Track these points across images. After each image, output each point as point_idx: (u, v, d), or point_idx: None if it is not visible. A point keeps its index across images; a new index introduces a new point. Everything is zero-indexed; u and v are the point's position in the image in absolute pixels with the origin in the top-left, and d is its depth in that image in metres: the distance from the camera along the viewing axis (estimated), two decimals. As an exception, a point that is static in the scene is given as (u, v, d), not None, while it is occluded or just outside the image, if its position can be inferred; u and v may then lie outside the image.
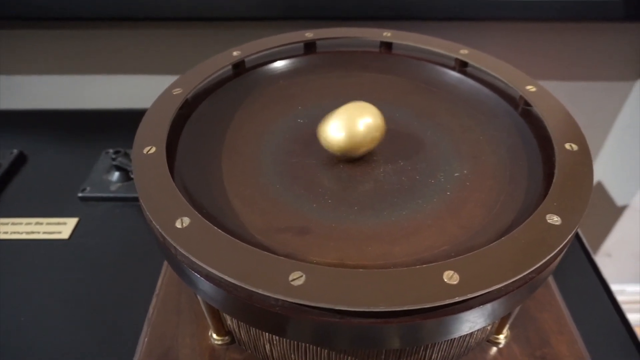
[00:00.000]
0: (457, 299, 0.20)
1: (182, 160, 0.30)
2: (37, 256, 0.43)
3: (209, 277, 0.22)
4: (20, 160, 0.55)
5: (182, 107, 0.32)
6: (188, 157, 0.30)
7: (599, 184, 0.77)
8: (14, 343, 0.37)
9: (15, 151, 0.55)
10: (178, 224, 0.23)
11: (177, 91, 0.33)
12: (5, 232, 0.45)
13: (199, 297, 0.26)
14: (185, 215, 0.23)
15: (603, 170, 0.76)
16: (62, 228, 0.46)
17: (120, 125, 0.61)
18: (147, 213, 0.24)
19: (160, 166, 0.26)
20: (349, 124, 0.28)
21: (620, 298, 0.43)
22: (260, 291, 0.20)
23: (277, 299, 0.20)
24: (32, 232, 0.45)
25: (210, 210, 0.26)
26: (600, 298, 0.43)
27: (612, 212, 0.78)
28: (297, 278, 0.20)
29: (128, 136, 0.56)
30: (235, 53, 0.38)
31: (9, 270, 0.42)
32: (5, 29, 0.60)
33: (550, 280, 0.35)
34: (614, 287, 0.44)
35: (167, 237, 0.22)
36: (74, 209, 0.48)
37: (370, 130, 0.28)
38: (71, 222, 0.47)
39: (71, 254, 0.44)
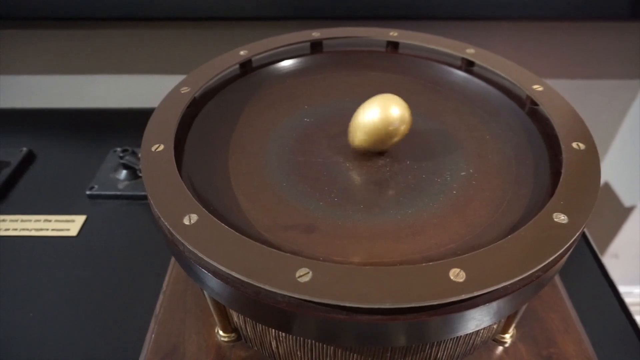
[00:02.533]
0: (463, 297, 0.20)
1: (189, 158, 0.30)
2: (46, 253, 0.44)
3: (216, 273, 0.22)
4: (29, 159, 0.55)
5: (189, 106, 0.33)
6: (195, 155, 0.30)
7: (606, 185, 0.76)
8: (22, 338, 0.37)
9: (24, 149, 0.55)
10: (186, 221, 0.23)
11: (184, 90, 0.33)
12: (15, 229, 0.46)
13: (205, 293, 0.26)
14: (193, 212, 0.23)
15: (610, 171, 0.75)
16: (70, 225, 0.46)
17: (127, 124, 0.62)
18: (155, 209, 0.24)
19: (168, 164, 0.27)
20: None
21: (627, 300, 0.42)
22: (267, 287, 0.20)
23: (284, 295, 0.21)
24: (41, 229, 0.46)
25: (217, 207, 0.27)
26: (608, 299, 0.43)
27: (620, 213, 0.78)
28: (304, 275, 0.20)
29: (135, 135, 0.57)
30: (242, 52, 0.38)
31: (18, 266, 0.43)
32: (15, 28, 0.61)
33: (557, 280, 0.35)
34: (621, 289, 0.43)
35: (175, 234, 0.23)
36: (82, 207, 0.49)
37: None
38: (79, 220, 0.47)
39: (79, 251, 0.44)
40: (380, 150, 0.30)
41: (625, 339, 0.39)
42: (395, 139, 0.29)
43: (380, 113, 0.28)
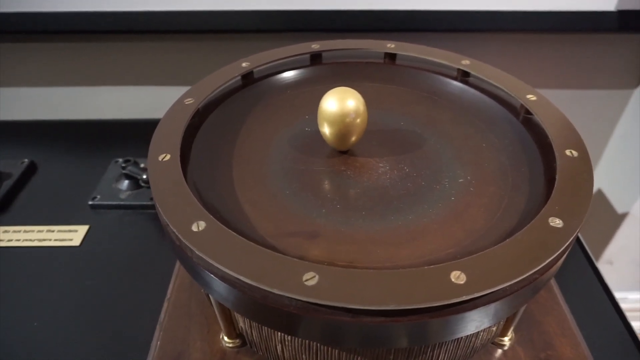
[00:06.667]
0: (464, 298, 0.21)
1: (194, 167, 0.31)
2: (49, 263, 0.44)
3: (224, 278, 0.23)
4: (31, 170, 0.56)
5: (193, 116, 0.34)
6: (200, 164, 0.31)
7: (600, 192, 0.78)
8: (27, 347, 0.37)
9: (26, 161, 0.56)
10: (194, 228, 0.24)
11: (189, 101, 0.34)
12: (18, 240, 0.46)
13: (212, 299, 0.27)
14: (201, 219, 0.24)
15: (603, 178, 0.77)
16: (73, 235, 0.47)
17: (129, 135, 0.62)
18: (164, 217, 0.25)
19: (175, 172, 0.27)
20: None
21: (622, 306, 0.43)
22: (275, 291, 0.21)
23: (291, 299, 0.21)
24: (44, 240, 0.46)
25: (223, 215, 0.27)
26: (603, 303, 0.43)
27: (613, 220, 0.79)
28: (311, 278, 0.21)
29: (137, 145, 0.58)
30: (244, 64, 0.39)
31: (21, 276, 0.43)
32: (17, 42, 0.62)
33: (554, 285, 0.36)
34: (616, 295, 0.44)
35: (183, 240, 0.23)
36: (84, 217, 0.49)
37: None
38: (82, 230, 0.48)
39: (82, 261, 0.45)
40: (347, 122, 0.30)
41: (621, 342, 0.39)
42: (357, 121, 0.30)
43: (337, 100, 0.30)
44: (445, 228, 0.27)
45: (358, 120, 0.30)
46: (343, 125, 0.30)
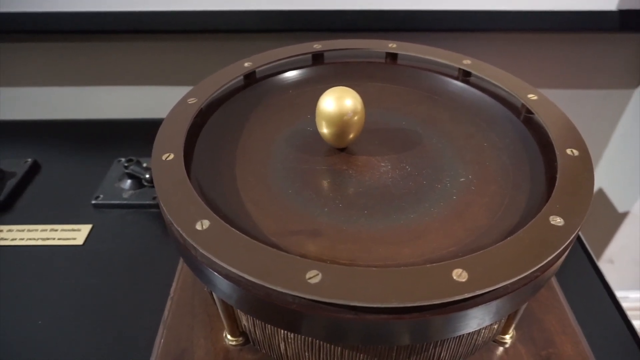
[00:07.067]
0: (466, 296, 0.21)
1: (197, 166, 0.31)
2: (53, 262, 0.45)
3: (228, 276, 0.23)
4: (34, 169, 0.56)
5: (196, 116, 0.34)
6: (203, 163, 0.31)
7: (600, 191, 0.78)
8: (31, 346, 0.38)
9: (29, 160, 0.56)
10: (198, 226, 0.24)
11: (192, 100, 0.34)
12: (22, 239, 0.47)
13: (215, 297, 0.27)
14: (205, 218, 0.24)
15: (604, 178, 0.77)
16: (76, 234, 0.47)
17: (131, 134, 0.63)
18: (168, 216, 0.25)
19: (179, 172, 0.28)
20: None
21: (623, 305, 0.43)
22: (279, 289, 0.21)
23: (295, 296, 0.21)
24: (47, 239, 0.47)
25: (226, 213, 0.27)
26: (604, 302, 0.44)
27: (614, 219, 0.79)
28: (314, 276, 0.21)
29: (139, 145, 0.58)
30: (246, 64, 0.39)
31: (25, 275, 0.43)
32: (20, 41, 0.62)
33: (555, 284, 0.36)
34: (617, 294, 0.44)
35: (187, 239, 0.23)
36: (87, 216, 0.49)
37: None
38: (85, 229, 0.48)
39: (86, 259, 0.45)
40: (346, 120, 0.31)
41: (622, 341, 0.40)
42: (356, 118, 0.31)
43: (334, 99, 0.31)
44: (447, 227, 0.27)
45: (355, 118, 0.31)
46: (340, 123, 0.30)
